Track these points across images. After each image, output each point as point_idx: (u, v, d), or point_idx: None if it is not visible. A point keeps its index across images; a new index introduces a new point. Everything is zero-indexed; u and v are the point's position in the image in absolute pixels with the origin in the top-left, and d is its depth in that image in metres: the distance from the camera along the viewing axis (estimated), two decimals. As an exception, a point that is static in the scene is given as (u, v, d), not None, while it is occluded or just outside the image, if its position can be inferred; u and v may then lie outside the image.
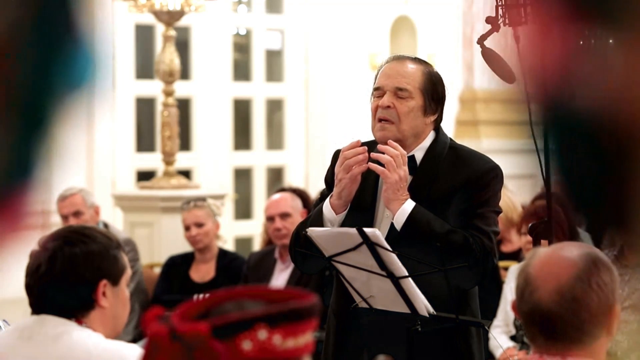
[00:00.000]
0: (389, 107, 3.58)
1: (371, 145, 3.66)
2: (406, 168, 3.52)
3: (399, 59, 3.70)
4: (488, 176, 3.58)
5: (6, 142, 0.79)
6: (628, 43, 0.86)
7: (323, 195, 3.75)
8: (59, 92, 0.81)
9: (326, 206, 3.61)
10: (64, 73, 0.81)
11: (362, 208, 3.63)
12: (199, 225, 6.52)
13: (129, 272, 2.81)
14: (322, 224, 3.58)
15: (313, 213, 3.68)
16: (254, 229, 9.41)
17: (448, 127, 10.97)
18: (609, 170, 0.90)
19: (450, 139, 3.71)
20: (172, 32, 7.68)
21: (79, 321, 2.71)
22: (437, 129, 3.68)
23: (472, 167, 3.59)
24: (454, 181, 3.57)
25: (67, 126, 0.85)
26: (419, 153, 3.63)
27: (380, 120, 3.60)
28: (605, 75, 0.87)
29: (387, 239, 3.52)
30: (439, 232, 3.49)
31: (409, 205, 3.53)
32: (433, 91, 3.62)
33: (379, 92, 3.63)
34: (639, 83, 0.87)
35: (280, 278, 6.26)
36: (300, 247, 3.60)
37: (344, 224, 3.59)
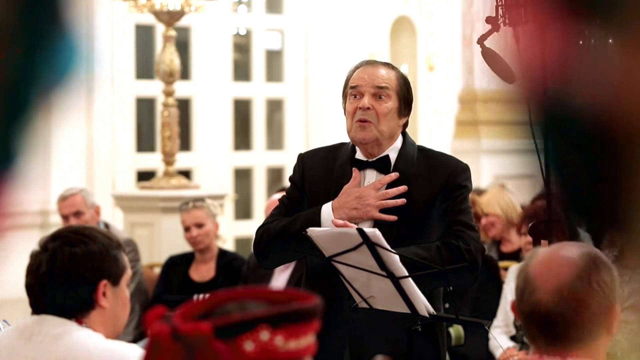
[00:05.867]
0: (368, 108, 3.68)
1: (339, 148, 3.80)
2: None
3: (371, 63, 3.83)
4: (464, 175, 3.73)
5: None
6: (627, 43, 0.86)
7: (290, 196, 3.83)
8: (43, 83, 0.81)
9: (327, 211, 3.67)
10: (48, 64, 0.81)
11: None
12: (199, 225, 6.52)
13: (129, 272, 2.81)
14: (318, 225, 3.63)
15: (303, 214, 3.72)
16: (254, 229, 9.39)
17: (448, 127, 10.98)
18: (605, 170, 0.90)
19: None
20: (172, 32, 7.68)
21: (79, 321, 2.71)
22: (404, 132, 3.80)
23: (449, 167, 3.73)
24: (434, 182, 3.69)
25: (51, 118, 0.85)
26: (392, 153, 3.75)
27: (359, 121, 3.68)
28: (604, 75, 0.87)
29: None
30: (428, 256, 3.56)
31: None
32: (406, 94, 3.76)
33: (355, 91, 3.72)
34: (637, 83, 0.87)
35: (280, 279, 6.26)
36: (262, 246, 3.86)
37: None
